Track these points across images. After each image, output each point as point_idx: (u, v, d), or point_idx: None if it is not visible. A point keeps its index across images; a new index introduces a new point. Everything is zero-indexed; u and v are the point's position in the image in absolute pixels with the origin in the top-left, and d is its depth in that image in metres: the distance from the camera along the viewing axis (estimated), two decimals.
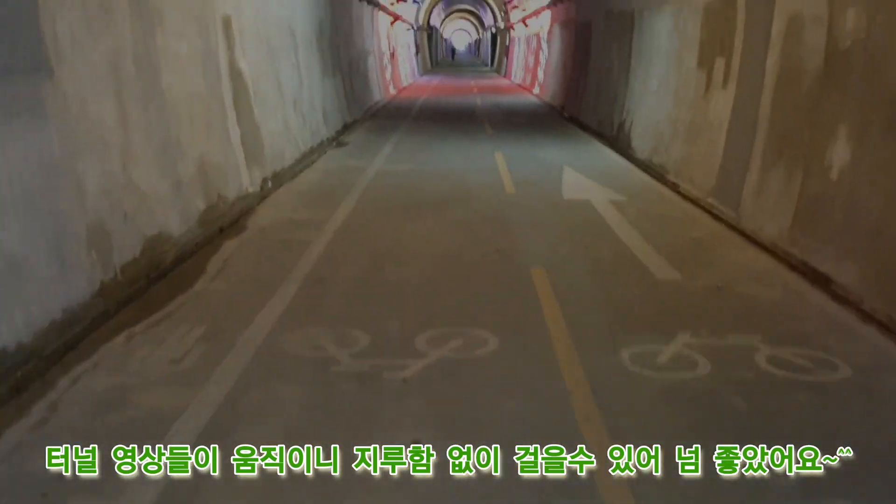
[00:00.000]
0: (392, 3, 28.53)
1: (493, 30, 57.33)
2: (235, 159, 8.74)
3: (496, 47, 56.57)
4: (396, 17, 29.81)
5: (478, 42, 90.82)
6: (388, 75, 27.62)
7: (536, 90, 27.73)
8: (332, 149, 13.38)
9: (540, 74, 27.85)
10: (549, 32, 26.03)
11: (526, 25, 32.90)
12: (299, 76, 12.61)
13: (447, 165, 11.63)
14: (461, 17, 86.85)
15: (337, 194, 9.13)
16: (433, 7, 56.13)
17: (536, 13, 28.77)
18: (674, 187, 9.75)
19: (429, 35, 58.50)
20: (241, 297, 5.48)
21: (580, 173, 10.74)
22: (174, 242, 6.74)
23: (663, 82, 11.44)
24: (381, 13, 26.42)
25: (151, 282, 5.98)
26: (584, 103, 17.52)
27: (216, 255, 6.48)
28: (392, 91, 27.72)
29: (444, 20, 78.49)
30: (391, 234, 7.30)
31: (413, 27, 40.77)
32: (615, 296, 5.60)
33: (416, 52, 45.09)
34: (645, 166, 11.32)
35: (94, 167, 5.67)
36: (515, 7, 36.57)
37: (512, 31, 40.90)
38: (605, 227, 7.67)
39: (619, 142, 13.55)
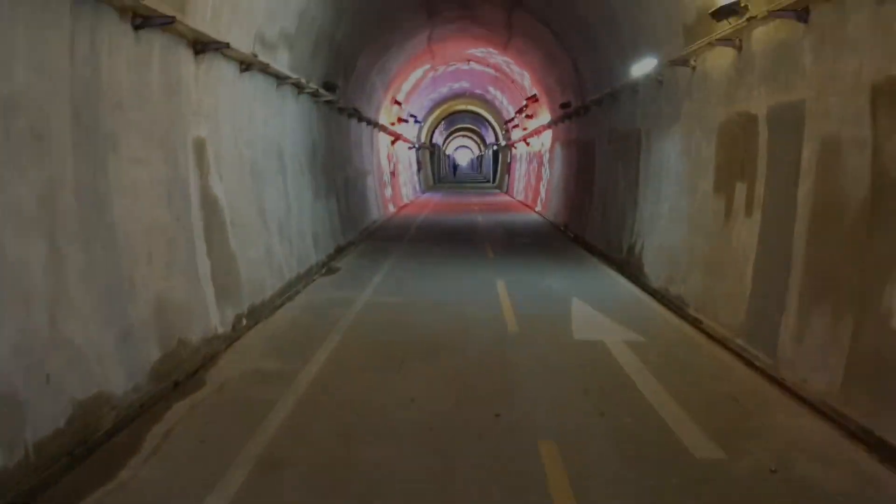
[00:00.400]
0: (392, 124, 28.54)
1: (495, 147, 58.08)
2: (203, 296, 7.77)
3: (498, 164, 57.17)
4: (397, 137, 29.84)
5: (480, 158, 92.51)
6: (387, 193, 27.24)
7: (539, 207, 27.24)
8: (321, 276, 12.47)
9: (542, 192, 27.46)
10: (551, 151, 25.79)
11: (527, 144, 32.92)
12: (287, 201, 11.88)
13: (443, 296, 10.63)
14: (463, 135, 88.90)
15: (316, 335, 8.08)
16: (435, 126, 57.12)
17: (538, 132, 28.73)
18: (696, 324, 8.72)
19: (431, 152, 59.28)
20: (172, 492, 4.33)
21: (590, 306, 9.73)
22: (115, 404, 5.67)
23: (676, 206, 10.63)
24: (381, 133, 26.30)
25: (75, 461, 4.87)
26: (590, 223, 16.79)
27: (158, 425, 5.36)
28: (392, 209, 27.26)
29: (446, 138, 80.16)
30: (370, 393, 6.19)
31: (415, 145, 41.07)
32: (647, 485, 4.45)
33: (419, 170, 45.30)
34: (660, 296, 10.33)
35: (7, 323, 4.68)
36: (516, 126, 36.84)
37: (513, 148, 41.15)
38: (625, 380, 6.57)
39: (629, 266, 12.64)
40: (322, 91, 14.31)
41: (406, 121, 31.91)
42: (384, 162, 27.18)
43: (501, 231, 20.17)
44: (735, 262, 8.12)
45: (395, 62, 22.87)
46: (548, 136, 26.70)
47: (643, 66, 11.50)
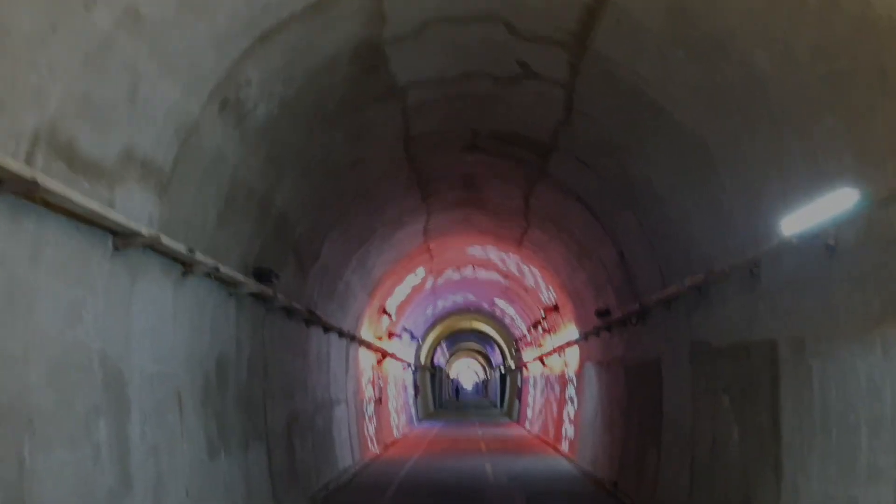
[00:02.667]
0: (380, 339, 23.20)
1: (502, 369, 52.40)
2: None
3: (506, 387, 51.15)
4: (385, 355, 24.35)
5: (485, 382, 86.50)
6: (369, 429, 21.17)
7: (565, 447, 20.99)
8: None
9: (567, 426, 21.35)
10: (579, 374, 20.11)
11: (544, 364, 27.32)
12: (122, 469, 6.08)
13: None
14: (467, 356, 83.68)
15: None
16: (436, 345, 51.92)
17: (558, 350, 23.25)
18: None
19: (432, 374, 53.50)
20: None
21: None
22: None
23: None
24: (362, 349, 20.83)
25: None
26: (664, 486, 10.72)
27: None
28: (374, 449, 21.03)
29: (449, 359, 74.79)
30: None
31: (411, 366, 35.46)
32: None
33: (416, 395, 39.28)
34: None
35: None
36: (529, 344, 31.48)
37: (525, 370, 35.47)
38: None
39: None
40: (242, 279, 9.06)
41: (399, 336, 26.62)
42: (366, 387, 21.44)
43: (521, 492, 13.87)
44: None
45: (380, 258, 17.98)
46: (573, 354, 21.16)
47: (816, 213, 6.22)
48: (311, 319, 13.57)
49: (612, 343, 15.56)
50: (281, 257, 11.18)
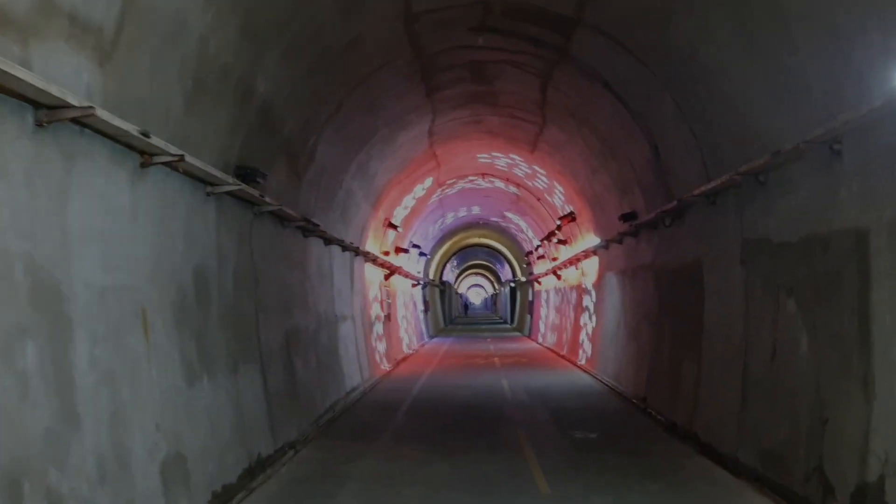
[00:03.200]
0: (386, 253, 22.00)
1: (512, 284, 51.55)
2: None
3: (515, 302, 50.42)
4: (393, 270, 23.21)
5: (494, 297, 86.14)
6: (379, 345, 20.22)
7: (582, 361, 20.04)
8: None
9: (585, 340, 20.35)
10: (598, 285, 18.94)
11: (558, 277, 26.19)
12: (62, 403, 4.89)
13: None
14: (476, 273, 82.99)
15: None
16: (446, 261, 50.94)
17: (574, 261, 22.04)
18: None
19: (441, 291, 52.75)
20: None
21: None
22: None
23: None
24: (369, 265, 19.66)
25: None
26: (703, 404, 9.62)
27: None
28: (385, 366, 20.13)
29: (458, 276, 74.09)
30: None
31: (421, 282, 34.48)
32: None
33: (426, 311, 38.49)
34: None
35: None
36: (542, 257, 30.32)
37: (537, 284, 34.46)
38: None
39: None
40: (219, 176, 7.70)
41: (407, 251, 25.43)
42: (373, 303, 20.37)
43: (542, 409, 12.89)
44: None
45: (382, 164, 16.55)
46: (591, 264, 19.95)
47: None
48: (309, 229, 12.27)
49: (638, 249, 14.27)
50: (269, 156, 9.78)
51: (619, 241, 15.74)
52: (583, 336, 20.90)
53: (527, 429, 10.78)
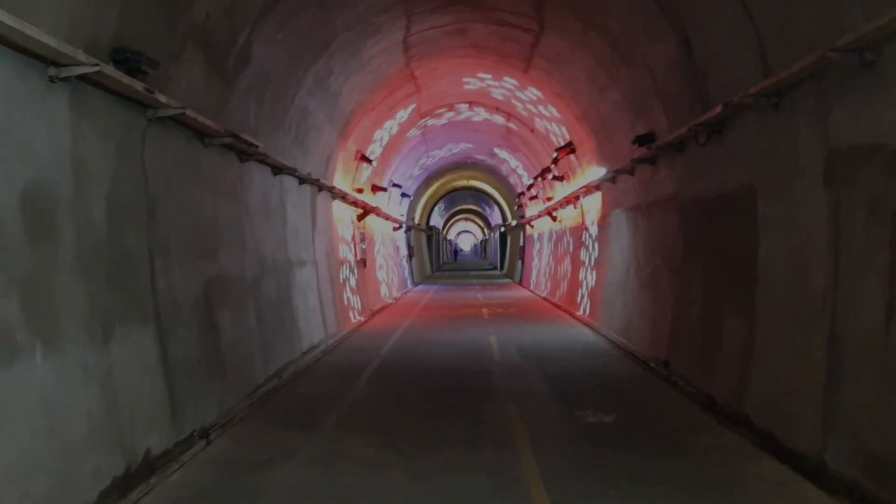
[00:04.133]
0: (360, 191, 19.37)
1: (502, 228, 49.11)
2: None
3: (506, 248, 48.05)
4: (368, 210, 20.61)
5: (484, 242, 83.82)
6: (350, 295, 17.78)
7: (583, 312, 17.69)
8: None
9: (586, 289, 17.98)
10: (602, 224, 16.46)
11: (553, 218, 23.69)
12: None
13: None
14: (465, 219, 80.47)
15: None
16: (433, 205, 48.33)
17: (572, 199, 19.53)
18: None
19: (429, 236, 50.28)
20: None
21: None
22: None
23: None
24: (337, 202, 17.07)
25: None
26: (759, 378, 7.21)
27: None
28: (356, 319, 17.74)
29: (446, 221, 71.54)
30: None
31: (404, 226, 31.94)
32: None
33: (409, 257, 36.03)
34: None
35: None
36: (535, 198, 27.77)
37: (529, 227, 32.00)
38: None
39: None
40: (68, 52, 5.08)
41: (385, 190, 22.80)
42: (343, 247, 17.86)
43: (539, 376, 10.43)
44: None
45: (348, 80, 13.83)
46: (594, 201, 17.44)
47: None
48: (245, 150, 9.66)
49: (656, 179, 11.75)
50: (171, 43, 7.12)
51: (630, 172, 13.21)
52: (583, 284, 18.51)
53: (521, 407, 8.32)
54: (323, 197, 15.24)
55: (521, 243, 36.61)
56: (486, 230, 74.66)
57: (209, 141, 8.48)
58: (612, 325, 14.23)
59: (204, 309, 8.01)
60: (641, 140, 11.55)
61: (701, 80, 8.94)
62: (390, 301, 24.20)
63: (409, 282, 33.05)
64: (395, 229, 29.75)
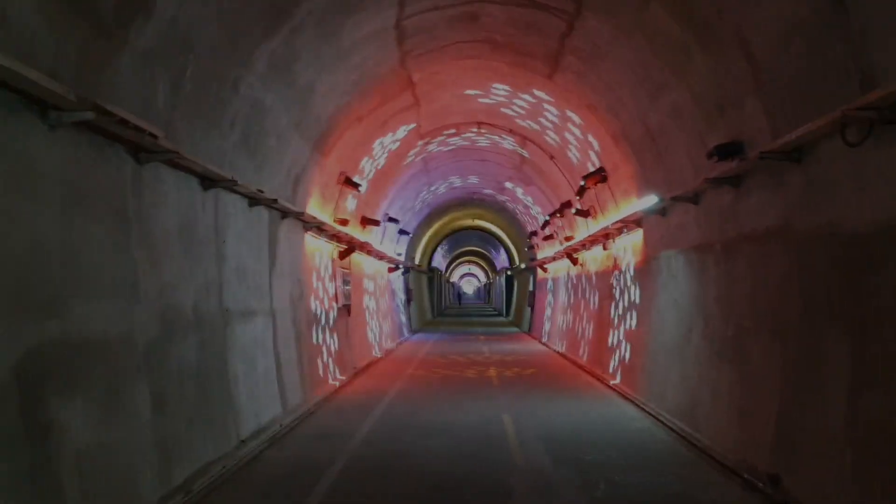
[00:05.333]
0: (344, 222, 15.98)
1: (509, 272, 45.68)
2: None
3: (512, 293, 44.54)
4: (355, 246, 17.21)
5: (488, 286, 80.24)
6: (325, 352, 14.29)
7: (616, 379, 14.16)
8: None
9: (618, 351, 14.47)
10: (643, 269, 13.03)
11: (573, 261, 20.27)
12: None
13: None
14: (468, 262, 77.15)
15: None
16: (436, 246, 45.02)
17: (600, 238, 16.17)
18: None
19: (430, 278, 46.84)
20: None
21: None
22: None
23: None
24: (312, 235, 13.72)
25: None
26: None
27: None
28: (334, 379, 14.23)
29: (449, 263, 68.14)
30: None
31: (401, 266, 28.54)
32: None
33: (408, 301, 32.54)
34: None
35: None
36: (550, 238, 24.40)
37: (541, 271, 28.57)
38: None
39: None
40: None
41: (377, 223, 19.43)
42: (319, 291, 14.41)
43: (583, 498, 6.93)
44: None
45: (322, 74, 10.55)
46: (632, 241, 14.04)
47: None
48: (145, 145, 6.32)
49: (743, 205, 8.35)
50: None
51: (693, 199, 9.87)
52: (615, 342, 15.02)
53: None
54: (289, 226, 11.88)
55: (532, 288, 33.14)
56: (490, 274, 71.24)
57: (57, 118, 5.13)
58: (665, 401, 10.71)
59: (16, 401, 4.56)
60: (723, 151, 8.19)
61: (859, 48, 5.61)
62: (380, 355, 20.66)
63: (405, 329, 29.52)
64: (390, 270, 26.34)
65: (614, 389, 13.67)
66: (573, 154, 16.33)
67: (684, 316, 10.44)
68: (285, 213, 11.36)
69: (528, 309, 33.43)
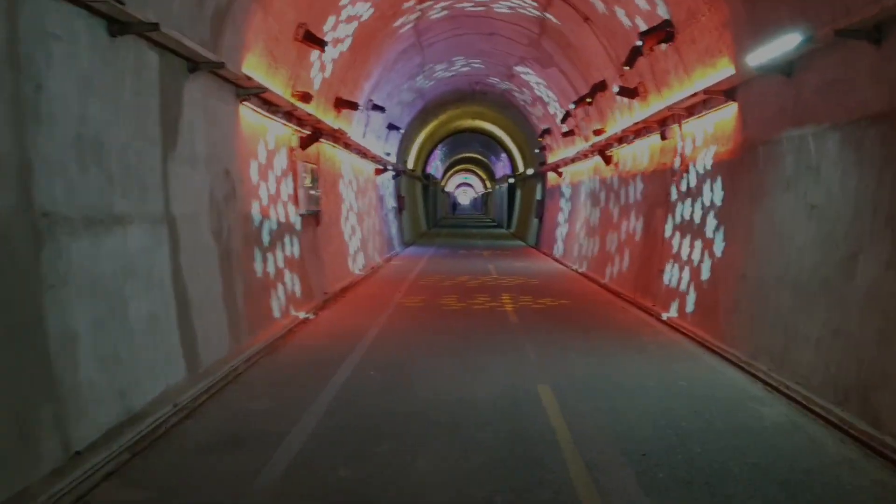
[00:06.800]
0: (303, 97, 11.64)
1: (512, 180, 41.45)
2: None
3: (514, 202, 40.43)
4: (319, 131, 12.95)
5: (486, 196, 75.72)
6: (276, 280, 10.30)
7: (682, 317, 10.26)
8: None
9: (689, 279, 10.52)
10: (737, 162, 8.90)
11: (607, 160, 16.08)
12: None
13: None
14: (465, 170, 72.54)
15: None
16: (432, 149, 40.57)
17: (652, 125, 11.99)
18: None
19: (425, 186, 42.60)
20: None
21: None
22: None
23: None
24: (251, 108, 9.48)
25: None
26: None
27: None
28: (293, 313, 10.31)
29: (445, 171, 63.61)
30: None
31: (391, 168, 24.30)
32: None
33: (399, 210, 28.44)
34: None
35: None
36: (569, 134, 20.09)
37: (556, 176, 24.41)
38: None
39: None
40: None
41: (355, 107, 15.07)
42: (266, 192, 10.26)
43: None
44: None
45: None
46: (707, 125, 9.86)
47: None
48: None
49: None
50: None
51: (874, 35, 5.69)
52: (674, 265, 11.08)
53: None
54: (206, 87, 7.63)
55: (540, 197, 29.04)
56: (489, 183, 66.80)
57: None
58: (795, 366, 6.79)
59: None
60: None
61: None
62: (363, 273, 16.73)
63: (396, 242, 25.55)
64: (377, 172, 22.11)
65: (676, 329, 9.78)
66: (622, 9, 11.91)
67: (839, 232, 6.41)
68: (195, 64, 7.11)
69: (536, 220, 29.45)
